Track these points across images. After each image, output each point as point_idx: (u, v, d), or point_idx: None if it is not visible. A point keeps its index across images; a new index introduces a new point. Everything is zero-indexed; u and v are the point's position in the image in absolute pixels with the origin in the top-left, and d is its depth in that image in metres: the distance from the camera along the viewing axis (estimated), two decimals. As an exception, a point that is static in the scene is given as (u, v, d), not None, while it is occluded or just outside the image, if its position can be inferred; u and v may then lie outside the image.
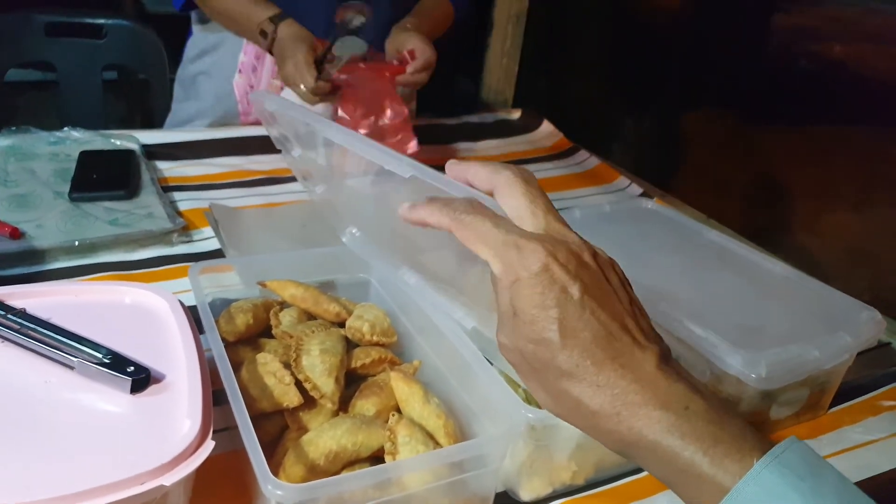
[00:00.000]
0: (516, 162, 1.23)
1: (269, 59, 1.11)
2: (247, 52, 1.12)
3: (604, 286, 0.41)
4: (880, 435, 0.71)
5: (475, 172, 0.45)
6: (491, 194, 0.44)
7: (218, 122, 1.18)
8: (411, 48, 1.04)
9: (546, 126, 1.36)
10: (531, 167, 1.22)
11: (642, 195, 1.14)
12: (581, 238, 0.43)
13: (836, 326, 0.67)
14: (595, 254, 0.43)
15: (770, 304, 0.73)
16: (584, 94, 1.77)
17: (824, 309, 0.72)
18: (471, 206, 0.43)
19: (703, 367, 0.62)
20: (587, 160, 1.26)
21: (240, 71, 1.12)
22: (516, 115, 1.40)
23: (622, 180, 1.19)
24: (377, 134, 1.01)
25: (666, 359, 0.41)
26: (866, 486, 0.64)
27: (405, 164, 0.47)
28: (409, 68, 1.03)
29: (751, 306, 0.72)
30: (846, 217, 1.45)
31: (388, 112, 1.03)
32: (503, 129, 1.33)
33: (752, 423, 0.66)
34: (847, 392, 0.75)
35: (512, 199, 0.43)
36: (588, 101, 1.74)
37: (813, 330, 0.68)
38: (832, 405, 0.74)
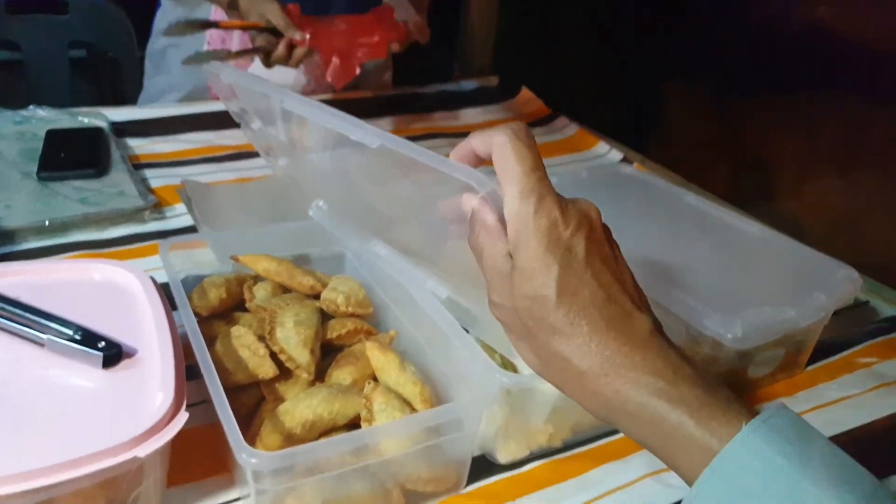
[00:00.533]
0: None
1: (237, 31, 1.09)
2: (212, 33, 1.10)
3: (606, 250, 0.42)
4: (855, 391, 0.72)
5: (476, 144, 0.44)
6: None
7: (189, 95, 1.16)
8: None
9: (525, 93, 1.35)
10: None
11: (623, 161, 1.14)
12: (587, 200, 0.43)
13: (813, 286, 0.68)
14: (600, 217, 0.43)
15: (747, 266, 0.73)
16: (564, 62, 1.75)
17: (801, 269, 0.72)
18: (514, 133, 0.42)
19: (679, 329, 0.63)
20: (566, 127, 1.26)
21: (208, 43, 1.10)
22: (494, 82, 1.39)
23: (602, 146, 1.18)
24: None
25: (659, 328, 0.41)
26: (841, 440, 0.65)
27: (372, 134, 0.45)
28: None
29: (728, 268, 0.73)
30: (830, 184, 1.45)
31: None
32: (481, 97, 1.32)
33: (729, 383, 0.67)
34: (825, 350, 0.76)
35: (501, 167, 0.42)
36: (567, 69, 1.73)
37: (789, 290, 0.68)
38: (809, 363, 0.75)
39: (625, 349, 0.39)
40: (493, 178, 0.42)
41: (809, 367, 0.75)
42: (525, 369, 0.53)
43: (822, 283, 0.68)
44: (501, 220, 0.42)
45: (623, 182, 0.88)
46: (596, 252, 0.41)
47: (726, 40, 1.57)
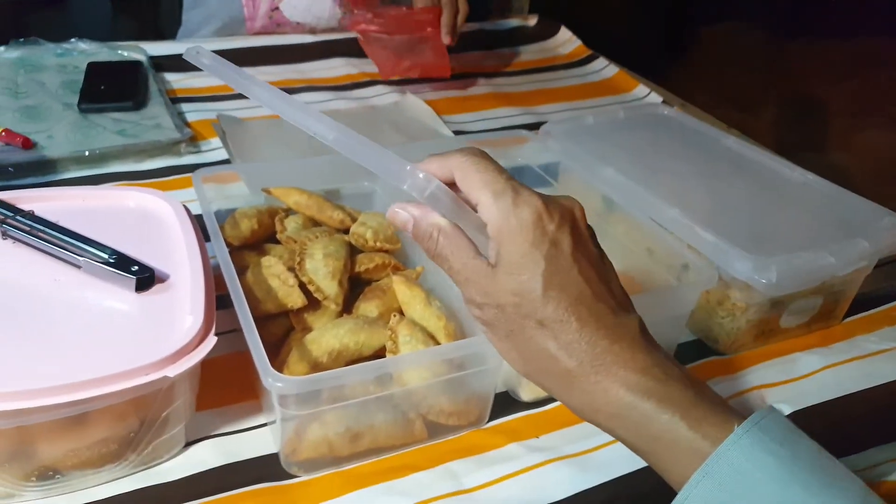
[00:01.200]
0: (532, 70, 1.20)
1: None
2: None
3: (591, 249, 0.41)
4: (895, 344, 0.70)
5: (433, 168, 0.41)
6: (453, 183, 0.41)
7: (225, 26, 1.16)
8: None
9: (563, 33, 1.31)
10: (547, 75, 1.19)
11: (662, 104, 1.11)
12: (569, 197, 0.42)
13: (855, 232, 0.65)
14: (584, 216, 0.42)
15: (786, 210, 0.71)
16: (605, 4, 1.70)
17: (843, 215, 0.70)
18: (472, 153, 0.41)
19: (711, 274, 0.61)
20: (605, 69, 1.22)
21: None
22: (532, 21, 1.35)
23: (641, 89, 1.15)
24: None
25: (645, 330, 0.40)
26: (879, 392, 0.64)
27: (327, 127, 0.43)
28: (444, 30, 1.01)
29: (766, 213, 0.70)
30: (881, 133, 1.40)
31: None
32: (519, 37, 1.29)
33: (760, 332, 0.67)
34: (864, 303, 0.74)
35: (468, 181, 0.40)
36: (608, 9, 1.68)
37: (829, 236, 0.66)
38: (847, 315, 0.73)
39: (615, 347, 0.38)
40: (428, 179, 0.40)
41: (846, 320, 0.73)
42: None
43: (866, 231, 0.66)
44: (453, 223, 0.41)
45: (661, 123, 0.86)
46: (582, 250, 0.40)
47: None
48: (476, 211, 0.40)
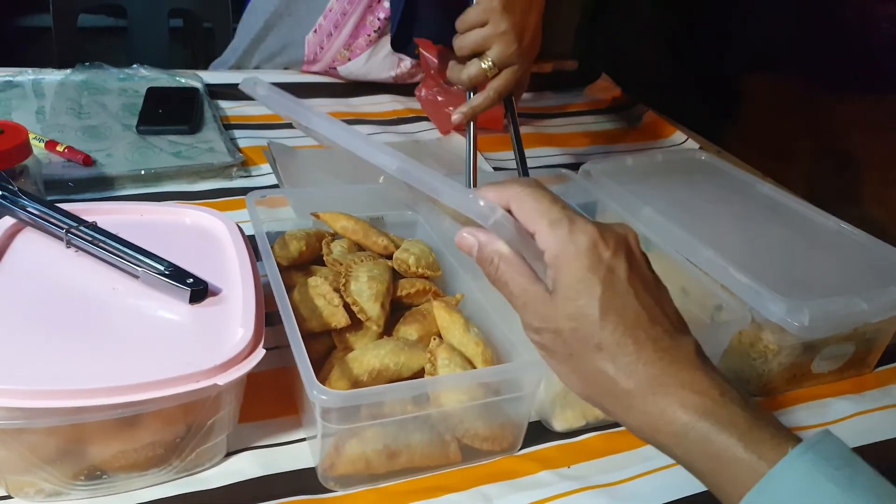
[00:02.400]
0: (572, 114, 1.23)
1: (346, 31, 1.12)
2: (327, 16, 1.13)
3: (647, 273, 0.42)
4: (926, 396, 0.70)
5: (491, 196, 0.43)
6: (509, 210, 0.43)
7: (280, 66, 1.20)
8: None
9: (604, 79, 1.34)
10: (587, 119, 1.22)
11: (699, 150, 1.12)
12: (623, 224, 0.44)
13: (888, 280, 0.66)
14: (638, 242, 0.43)
15: (820, 256, 0.72)
16: (644, 49, 1.73)
17: (876, 263, 0.71)
18: (528, 183, 0.43)
19: (744, 315, 0.62)
20: (644, 114, 1.25)
21: (315, 31, 1.13)
22: (573, 66, 1.39)
23: (679, 135, 1.17)
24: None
25: (701, 351, 0.41)
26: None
27: (390, 157, 0.44)
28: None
29: (799, 258, 0.71)
30: (916, 190, 1.39)
31: None
32: (560, 81, 1.32)
33: (792, 376, 0.67)
34: (895, 353, 0.74)
35: (525, 211, 0.42)
36: (648, 57, 1.70)
37: (863, 283, 0.67)
38: (878, 364, 0.73)
39: (672, 368, 0.39)
40: (492, 208, 0.41)
41: (878, 369, 0.73)
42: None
43: (899, 280, 0.67)
44: (514, 250, 0.42)
45: (697, 168, 0.87)
46: (637, 274, 0.41)
47: (815, 33, 1.52)
48: (533, 239, 0.42)
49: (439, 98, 1.08)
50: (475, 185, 0.78)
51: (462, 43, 0.73)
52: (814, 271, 0.69)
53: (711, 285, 0.66)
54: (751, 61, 1.66)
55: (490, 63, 0.72)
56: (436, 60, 1.04)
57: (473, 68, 0.72)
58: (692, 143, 1.14)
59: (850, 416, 0.67)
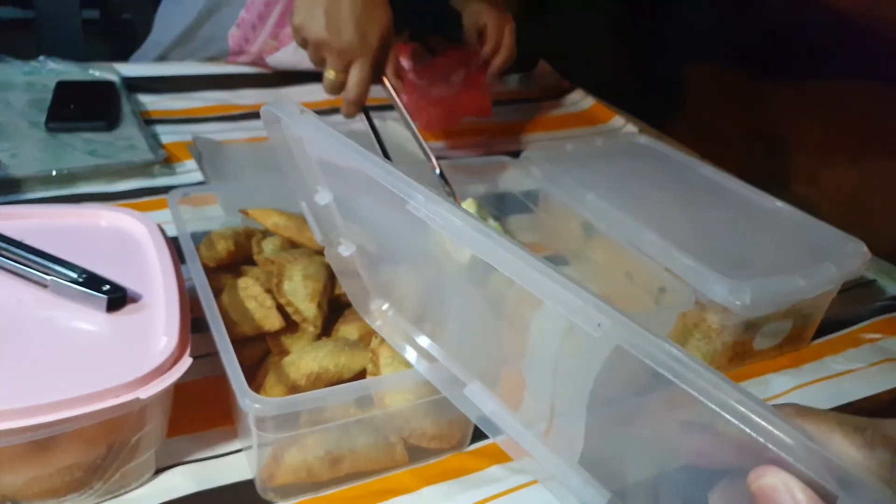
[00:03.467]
0: (511, 101, 1.21)
1: (271, 20, 1.07)
2: (249, 9, 1.08)
3: None
4: (860, 365, 0.71)
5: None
6: None
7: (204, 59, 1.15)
8: (483, 23, 1.01)
9: (542, 66, 1.33)
10: (526, 106, 1.20)
11: (639, 134, 1.12)
12: None
13: (822, 257, 0.67)
14: None
15: (759, 236, 0.73)
16: (581, 39, 1.73)
17: (812, 242, 0.72)
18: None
19: (688, 296, 0.62)
20: (583, 100, 1.24)
21: (238, 25, 1.08)
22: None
23: (618, 120, 1.17)
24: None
25: None
26: (846, 412, 0.64)
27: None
28: (488, 59, 1.00)
29: (740, 238, 0.72)
30: (844, 171, 1.44)
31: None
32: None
33: (735, 354, 0.67)
34: (830, 326, 0.76)
35: None
36: (585, 43, 1.71)
37: (799, 261, 0.67)
38: (815, 338, 0.74)
39: None
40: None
41: (815, 342, 0.74)
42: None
43: (832, 256, 0.68)
44: None
45: (638, 152, 0.87)
46: None
47: (749, 20, 1.55)
48: None
49: (422, 102, 1.02)
50: (437, 168, 0.81)
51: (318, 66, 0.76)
52: (754, 250, 0.70)
53: (655, 268, 0.66)
54: (686, 46, 1.68)
55: (332, 72, 0.74)
56: (409, 62, 1.01)
57: (324, 84, 0.76)
58: (631, 128, 1.15)
59: (790, 390, 0.67)
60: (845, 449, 0.29)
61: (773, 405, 0.30)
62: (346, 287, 0.54)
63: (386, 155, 0.78)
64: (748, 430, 0.27)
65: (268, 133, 0.49)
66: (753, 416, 0.27)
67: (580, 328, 0.32)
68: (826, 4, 1.37)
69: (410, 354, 0.49)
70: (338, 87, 0.76)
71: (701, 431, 0.31)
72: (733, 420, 0.27)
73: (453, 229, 0.37)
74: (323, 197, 0.49)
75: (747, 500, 0.28)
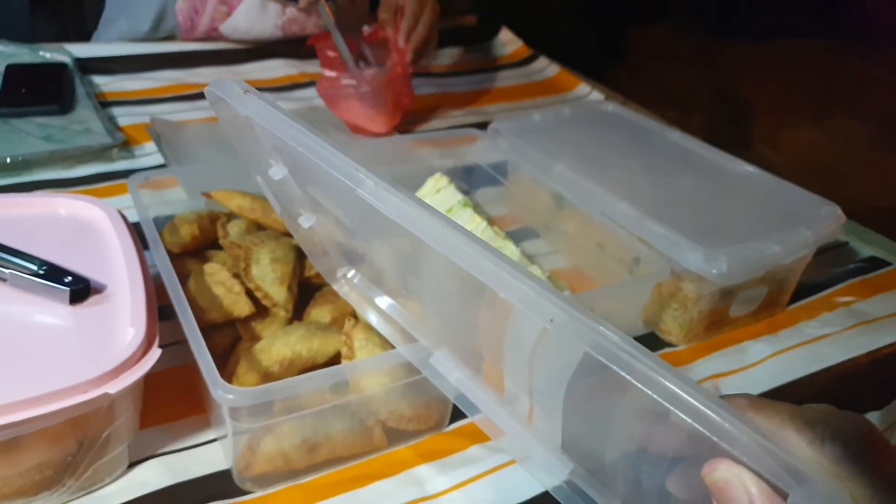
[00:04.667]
0: (474, 71, 1.19)
1: None
2: None
3: None
4: (835, 329, 0.72)
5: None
6: None
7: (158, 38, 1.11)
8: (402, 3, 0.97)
9: (505, 33, 1.31)
10: (490, 75, 1.19)
11: (606, 101, 1.12)
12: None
13: (797, 222, 0.67)
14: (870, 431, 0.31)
15: (731, 202, 0.72)
16: (543, 5, 1.72)
17: (785, 205, 0.72)
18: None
19: (663, 266, 0.62)
20: (547, 68, 1.23)
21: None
22: (473, 22, 1.35)
23: (583, 87, 1.16)
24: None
25: None
26: (822, 377, 0.66)
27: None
28: (400, 38, 0.93)
29: (712, 205, 0.72)
30: (805, 131, 1.45)
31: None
32: (459, 38, 1.28)
33: (711, 322, 0.67)
34: (804, 290, 0.76)
35: None
36: (547, 9, 1.69)
37: (773, 226, 0.67)
38: (790, 303, 0.75)
39: None
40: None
41: (790, 307, 0.75)
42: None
43: (806, 220, 0.68)
44: None
45: (606, 119, 0.86)
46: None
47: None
48: None
49: (344, 85, 0.93)
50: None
51: None
52: (727, 217, 0.70)
53: (628, 238, 0.65)
54: (647, 10, 1.68)
55: None
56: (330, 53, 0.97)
57: None
58: (597, 95, 1.14)
59: (767, 357, 0.68)
60: (796, 444, 0.29)
61: (727, 396, 0.30)
62: (311, 257, 0.52)
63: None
64: (699, 427, 0.27)
65: (215, 112, 0.47)
66: (705, 411, 0.27)
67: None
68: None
69: (375, 320, 0.48)
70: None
71: (653, 421, 0.31)
72: (685, 416, 0.27)
73: (405, 217, 0.36)
74: (277, 171, 0.47)
75: (702, 489, 0.29)
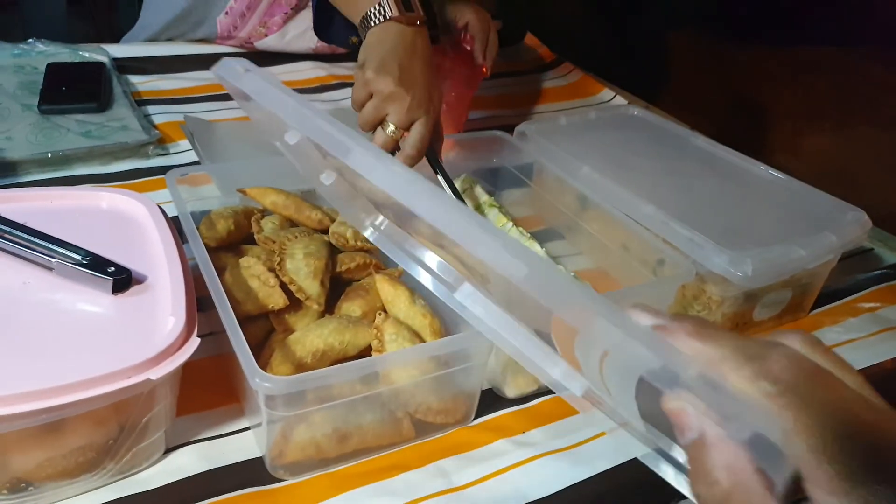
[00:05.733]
0: (500, 75, 1.20)
1: (260, 9, 1.05)
2: None
3: (832, 381, 0.32)
4: (859, 334, 0.72)
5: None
6: None
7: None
8: (465, 23, 0.97)
9: (529, 39, 1.32)
10: (515, 80, 1.20)
11: (630, 106, 1.12)
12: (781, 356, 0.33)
13: (822, 226, 0.68)
14: (806, 345, 0.34)
15: (757, 206, 0.73)
16: (568, 7, 1.72)
17: (811, 210, 0.72)
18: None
19: (688, 268, 0.62)
20: (571, 73, 1.24)
21: (226, 13, 1.07)
22: (498, 27, 1.36)
23: (607, 92, 1.17)
24: None
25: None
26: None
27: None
28: (478, 56, 0.95)
29: (737, 208, 0.72)
30: (826, 138, 1.44)
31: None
32: (485, 43, 1.29)
33: (734, 325, 0.68)
34: (829, 295, 0.76)
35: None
36: (572, 15, 1.70)
37: (799, 230, 0.68)
38: (813, 308, 0.75)
39: None
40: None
41: (814, 312, 0.75)
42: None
43: (832, 225, 0.68)
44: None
45: (631, 123, 0.87)
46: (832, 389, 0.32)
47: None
48: None
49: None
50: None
51: (361, 122, 0.72)
52: (751, 221, 0.70)
53: (653, 240, 0.66)
54: (668, 17, 1.68)
55: (392, 128, 0.70)
56: None
57: (380, 138, 0.71)
58: (620, 100, 1.14)
59: (790, 360, 0.68)
60: (733, 378, 0.31)
61: (674, 315, 0.34)
62: (339, 209, 0.53)
63: (459, 197, 0.74)
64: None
65: (227, 89, 0.49)
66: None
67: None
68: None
69: (405, 263, 0.48)
70: (394, 144, 0.72)
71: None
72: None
73: (393, 186, 0.38)
74: (292, 136, 0.49)
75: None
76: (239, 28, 1.07)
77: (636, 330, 0.33)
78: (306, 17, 1.06)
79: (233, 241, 0.63)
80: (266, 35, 1.07)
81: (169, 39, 1.11)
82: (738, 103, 1.57)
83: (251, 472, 0.50)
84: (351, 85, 1.06)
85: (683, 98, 1.53)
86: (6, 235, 0.50)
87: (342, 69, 1.10)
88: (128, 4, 1.41)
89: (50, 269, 0.50)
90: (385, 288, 0.57)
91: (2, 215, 0.52)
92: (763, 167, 0.78)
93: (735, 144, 0.83)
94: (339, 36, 1.04)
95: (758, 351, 0.32)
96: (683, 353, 0.32)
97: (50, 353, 0.44)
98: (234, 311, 0.50)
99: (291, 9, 1.05)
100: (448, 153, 0.82)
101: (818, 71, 1.42)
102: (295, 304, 0.57)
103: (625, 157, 0.78)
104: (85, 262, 0.50)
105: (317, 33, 1.03)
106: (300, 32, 1.08)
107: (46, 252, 0.50)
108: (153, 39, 1.12)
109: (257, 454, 0.52)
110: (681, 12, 1.68)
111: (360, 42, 0.74)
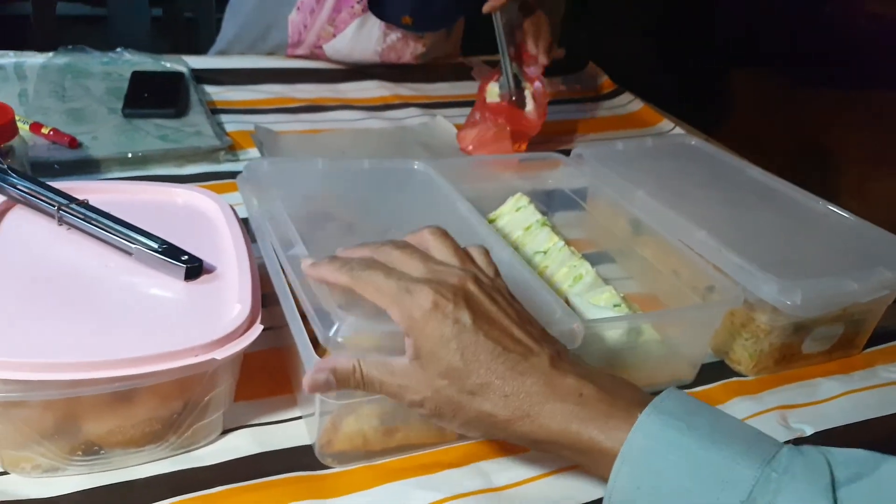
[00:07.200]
0: (560, 101, 1.23)
1: (328, 4, 1.10)
2: None
3: (489, 307, 0.46)
4: (914, 375, 0.71)
5: (335, 278, 0.47)
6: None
7: (265, 51, 1.19)
8: (518, 21, 1.03)
9: (591, 68, 1.34)
10: (575, 107, 1.22)
11: (688, 136, 1.13)
12: (462, 267, 0.47)
13: (877, 262, 0.67)
14: (478, 280, 0.47)
15: (810, 238, 0.73)
16: (631, 38, 1.74)
17: (865, 246, 0.71)
18: (364, 262, 0.47)
19: (737, 294, 0.62)
20: (631, 103, 1.25)
21: (298, 8, 1.12)
22: (561, 55, 1.38)
23: (666, 123, 1.18)
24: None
25: (559, 356, 0.46)
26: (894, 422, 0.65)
27: None
28: (531, 48, 1.03)
29: (791, 240, 0.72)
30: (893, 183, 1.42)
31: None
32: (548, 70, 1.31)
33: (782, 357, 0.68)
34: (884, 335, 0.75)
35: (368, 294, 0.46)
36: (635, 45, 1.72)
37: (852, 264, 0.67)
38: (867, 346, 0.74)
39: (534, 388, 0.44)
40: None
41: (867, 350, 0.74)
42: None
43: (888, 261, 0.67)
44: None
45: (688, 152, 0.88)
46: (481, 314, 0.45)
47: (797, 28, 1.54)
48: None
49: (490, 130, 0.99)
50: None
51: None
52: (804, 253, 0.70)
53: (704, 266, 0.66)
54: (733, 55, 1.68)
55: None
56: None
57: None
58: (679, 132, 1.15)
59: (838, 395, 0.67)
60: (394, 311, 0.45)
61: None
62: None
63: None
64: None
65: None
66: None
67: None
68: (876, 14, 1.35)
69: None
70: None
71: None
72: None
73: None
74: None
75: None
76: (308, 27, 1.12)
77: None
78: (372, 19, 1.10)
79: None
80: (334, 35, 1.12)
81: (241, 52, 1.17)
82: (804, 145, 1.56)
83: (300, 458, 0.53)
84: (413, 105, 1.10)
85: (747, 137, 1.53)
86: (94, 222, 0.55)
87: (406, 89, 1.14)
88: (206, 23, 1.49)
89: (129, 254, 0.53)
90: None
91: (91, 204, 0.56)
92: (820, 201, 0.78)
93: (800, 186, 0.82)
94: (392, 11, 1.09)
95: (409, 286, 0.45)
96: None
97: (126, 328, 0.48)
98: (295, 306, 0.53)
99: (358, 3, 1.09)
100: (504, 172, 0.84)
101: (888, 116, 1.41)
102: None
103: (680, 185, 0.79)
104: (161, 249, 0.53)
105: (370, 7, 1.07)
106: (367, 31, 1.12)
107: (127, 238, 0.54)
108: (227, 47, 1.18)
109: (307, 442, 0.54)
110: (745, 49, 1.68)
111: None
